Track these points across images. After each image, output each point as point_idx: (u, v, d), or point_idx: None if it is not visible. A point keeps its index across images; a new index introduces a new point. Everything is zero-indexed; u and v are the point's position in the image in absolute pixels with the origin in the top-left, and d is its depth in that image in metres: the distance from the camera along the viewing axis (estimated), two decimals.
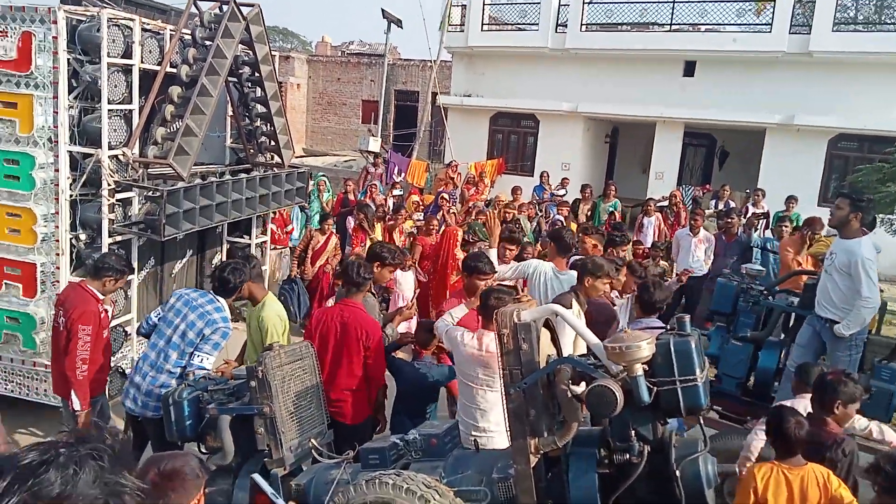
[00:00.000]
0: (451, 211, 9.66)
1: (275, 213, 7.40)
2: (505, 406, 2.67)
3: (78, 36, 4.72)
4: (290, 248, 8.60)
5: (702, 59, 14.61)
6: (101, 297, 4.22)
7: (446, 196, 10.10)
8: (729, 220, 8.32)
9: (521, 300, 3.00)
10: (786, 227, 8.31)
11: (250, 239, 6.89)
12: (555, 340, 2.93)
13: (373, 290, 4.78)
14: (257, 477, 1.44)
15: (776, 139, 14.02)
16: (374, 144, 15.63)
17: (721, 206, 11.17)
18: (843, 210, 4.75)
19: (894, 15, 14.42)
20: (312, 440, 3.37)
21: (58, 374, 4.33)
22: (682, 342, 2.49)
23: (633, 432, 2.52)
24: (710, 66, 14.56)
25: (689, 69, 14.87)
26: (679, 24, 15.13)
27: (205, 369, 3.92)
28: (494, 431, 3.44)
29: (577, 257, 5.34)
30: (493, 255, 4.96)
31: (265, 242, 7.18)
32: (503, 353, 2.65)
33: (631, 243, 8.58)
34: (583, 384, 2.54)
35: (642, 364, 2.41)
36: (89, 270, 4.56)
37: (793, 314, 5.35)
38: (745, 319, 5.25)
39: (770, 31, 13.80)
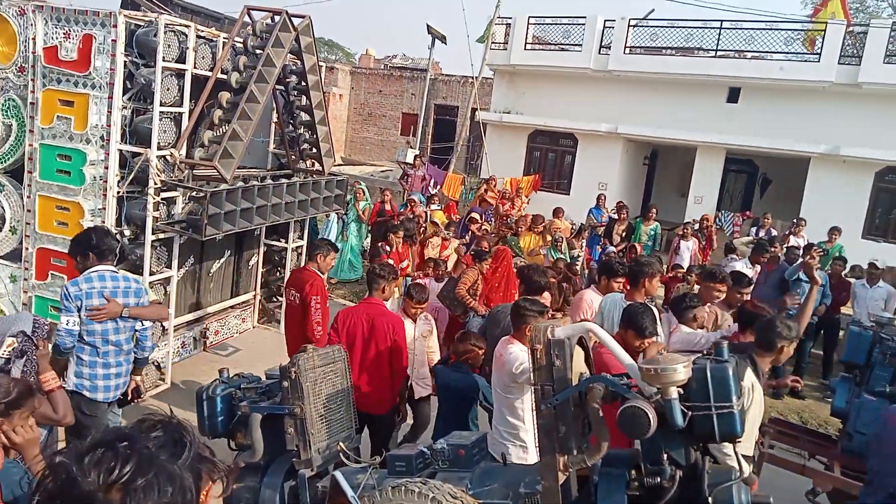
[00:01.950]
0: (483, 229, 9.62)
1: (390, 248, 7.33)
2: (535, 421, 2.66)
3: (135, 40, 4.88)
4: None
5: (746, 86, 14.44)
6: (319, 272, 5.07)
7: (476, 216, 10.05)
8: (772, 249, 8.17)
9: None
10: (812, 258, 8.12)
11: (287, 243, 7.00)
12: (588, 359, 2.92)
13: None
14: (339, 475, 1.44)
15: (820, 169, 13.76)
16: (412, 156, 15.77)
17: (762, 234, 10.98)
18: None
19: None
20: (340, 443, 3.39)
21: (292, 340, 5.16)
22: (719, 368, 2.45)
23: (665, 456, 2.48)
24: (754, 92, 14.38)
25: (734, 95, 14.70)
26: (725, 49, 14.99)
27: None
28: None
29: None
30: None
31: (301, 247, 7.29)
32: (535, 368, 2.65)
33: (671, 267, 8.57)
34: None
35: (677, 387, 2.39)
36: (309, 254, 5.68)
37: None
38: (882, 373, 4.75)
39: (818, 61, 13.59)
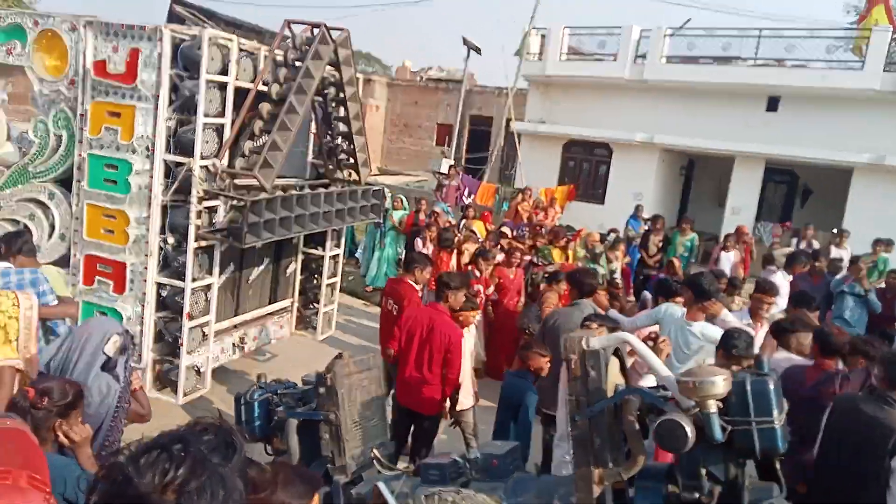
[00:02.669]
0: (511, 244, 9.50)
1: (479, 274, 7.13)
2: (569, 433, 2.65)
3: (180, 53, 5.02)
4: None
5: (787, 95, 14.18)
6: (415, 286, 5.48)
7: (507, 231, 9.99)
8: (817, 262, 7.97)
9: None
10: (860, 270, 7.88)
11: (324, 251, 7.09)
12: (624, 370, 2.90)
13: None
14: (382, 486, 1.48)
15: (864, 179, 13.42)
16: (446, 166, 15.86)
17: (803, 246, 10.74)
18: None
19: None
20: (374, 450, 3.43)
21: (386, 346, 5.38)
22: (759, 381, 2.41)
23: (703, 471, 2.45)
24: (795, 101, 14.12)
25: (773, 104, 14.45)
26: (764, 58, 14.75)
27: None
28: None
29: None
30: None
31: (338, 255, 7.38)
32: (570, 379, 2.64)
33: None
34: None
35: (717, 401, 2.36)
36: (406, 267, 6.15)
37: None
38: None
39: (862, 69, 13.28)
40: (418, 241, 9.60)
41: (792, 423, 3.84)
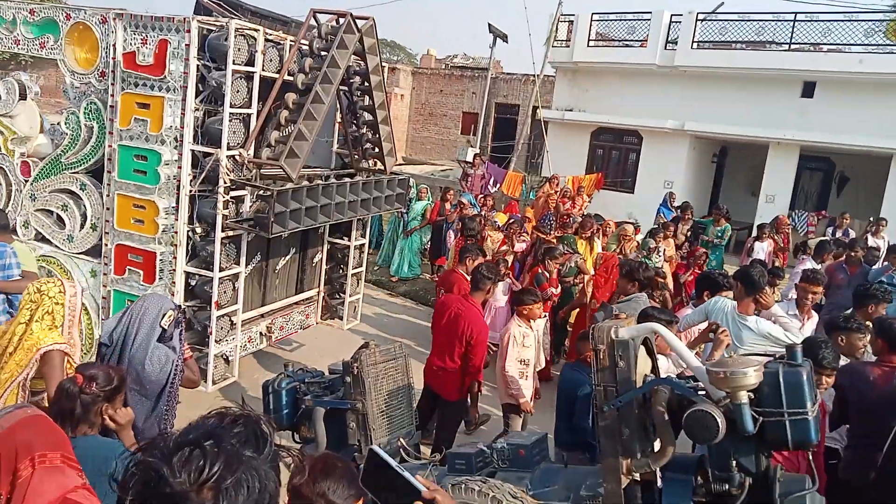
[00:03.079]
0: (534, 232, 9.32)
1: (549, 276, 6.85)
2: (597, 423, 2.62)
3: (207, 44, 5.05)
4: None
5: (822, 80, 13.80)
6: (466, 276, 5.61)
7: (530, 217, 9.84)
8: (853, 251, 7.76)
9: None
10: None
11: (349, 241, 7.12)
12: (653, 362, 2.85)
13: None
14: (376, 448, 1.50)
15: None
16: (471, 155, 15.79)
17: (839, 235, 10.48)
18: None
19: None
20: (401, 439, 3.43)
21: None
22: (792, 372, 2.35)
23: (734, 462, 2.40)
24: (831, 87, 13.73)
25: (808, 90, 14.08)
26: (799, 42, 14.36)
27: None
28: None
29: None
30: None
31: (363, 244, 7.40)
32: (598, 369, 2.60)
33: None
34: None
35: (748, 392, 2.30)
36: (460, 257, 6.29)
37: None
38: None
39: None
40: (450, 234, 9.56)
41: (860, 424, 3.76)
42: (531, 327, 5.10)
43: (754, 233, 10.77)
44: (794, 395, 2.32)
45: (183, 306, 3.72)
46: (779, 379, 2.34)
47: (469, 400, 5.14)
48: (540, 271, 6.86)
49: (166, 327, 3.42)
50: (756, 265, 5.20)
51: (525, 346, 5.02)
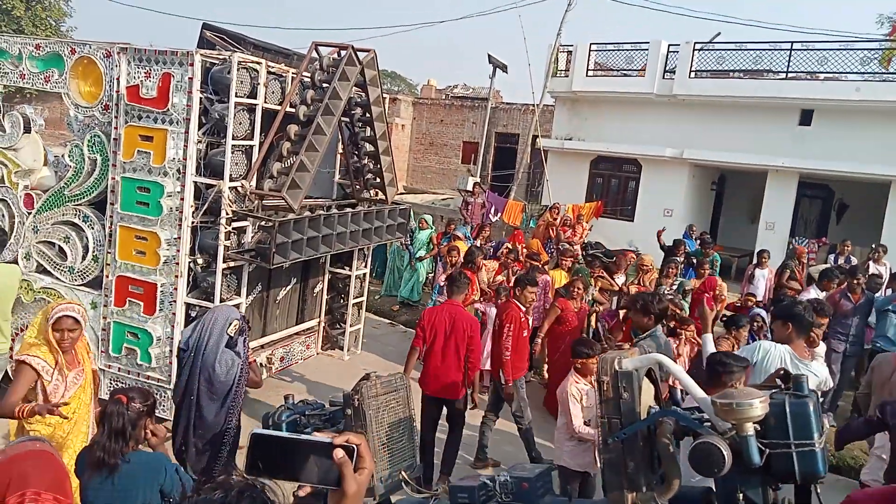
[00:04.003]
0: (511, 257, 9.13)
1: (525, 308, 6.18)
2: (601, 456, 2.58)
3: (211, 77, 5.11)
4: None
5: (820, 108, 13.92)
6: (522, 307, 5.83)
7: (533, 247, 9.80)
8: (855, 279, 7.72)
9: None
10: None
11: (351, 270, 7.11)
12: (657, 393, 2.82)
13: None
14: (257, 430, 1.26)
15: None
16: (472, 184, 15.86)
17: (841, 262, 10.45)
18: None
19: None
20: (402, 472, 3.38)
21: (494, 359, 5.96)
22: (799, 403, 2.32)
23: (740, 496, 2.36)
24: (828, 115, 13.84)
25: (806, 118, 14.19)
26: (796, 71, 14.52)
27: None
28: None
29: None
30: (708, 341, 4.51)
31: (365, 274, 7.39)
32: (602, 400, 2.58)
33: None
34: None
35: (754, 423, 2.27)
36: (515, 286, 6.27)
37: None
38: None
39: None
40: (440, 268, 9.52)
41: None
42: (591, 383, 4.71)
43: (755, 260, 10.75)
44: (800, 427, 2.29)
45: (247, 316, 4.26)
46: (785, 410, 2.31)
47: (471, 388, 5.57)
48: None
49: (232, 335, 3.90)
50: (805, 303, 4.76)
51: (585, 407, 4.69)
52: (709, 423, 2.40)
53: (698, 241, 11.65)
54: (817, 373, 4.13)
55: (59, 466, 2.14)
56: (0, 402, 3.53)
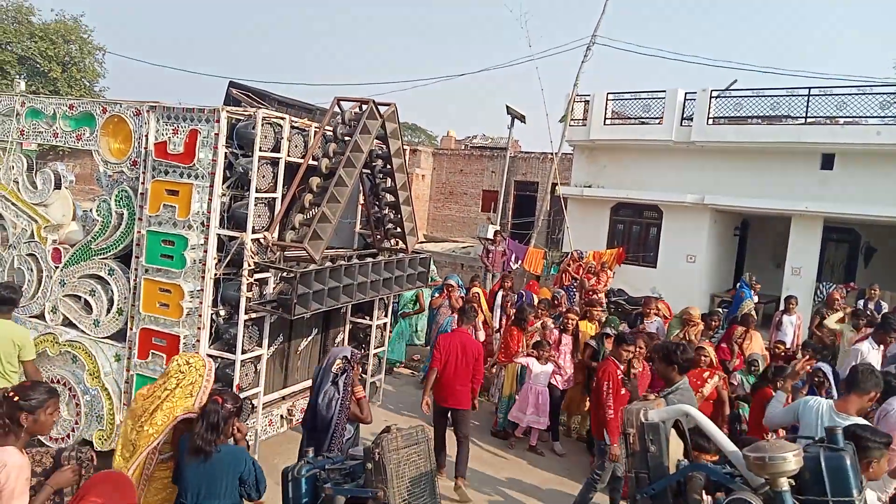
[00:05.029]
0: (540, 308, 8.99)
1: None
2: None
3: (236, 133, 5.23)
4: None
5: (841, 152, 13.84)
6: (618, 362, 5.98)
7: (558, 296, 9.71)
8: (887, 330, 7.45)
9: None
10: None
11: (372, 320, 7.10)
12: (687, 447, 2.74)
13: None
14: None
15: None
16: (492, 232, 15.91)
17: (871, 307, 10.21)
18: None
19: None
20: None
21: (596, 420, 6.13)
22: (834, 457, 2.24)
23: None
24: (850, 158, 13.76)
25: (828, 162, 14.11)
26: (815, 116, 14.51)
27: None
28: None
29: None
30: (780, 397, 4.69)
31: (386, 324, 7.37)
32: (628, 454, 2.51)
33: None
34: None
35: (789, 479, 2.19)
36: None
37: None
38: None
39: None
40: (439, 320, 9.48)
41: None
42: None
43: (781, 306, 10.54)
44: (838, 482, 2.21)
45: (350, 356, 4.73)
46: (820, 464, 2.23)
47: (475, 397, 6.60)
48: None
49: (335, 371, 4.51)
50: (865, 365, 4.30)
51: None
52: (741, 478, 2.32)
53: (756, 293, 11.32)
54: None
55: (128, 491, 2.76)
56: None
